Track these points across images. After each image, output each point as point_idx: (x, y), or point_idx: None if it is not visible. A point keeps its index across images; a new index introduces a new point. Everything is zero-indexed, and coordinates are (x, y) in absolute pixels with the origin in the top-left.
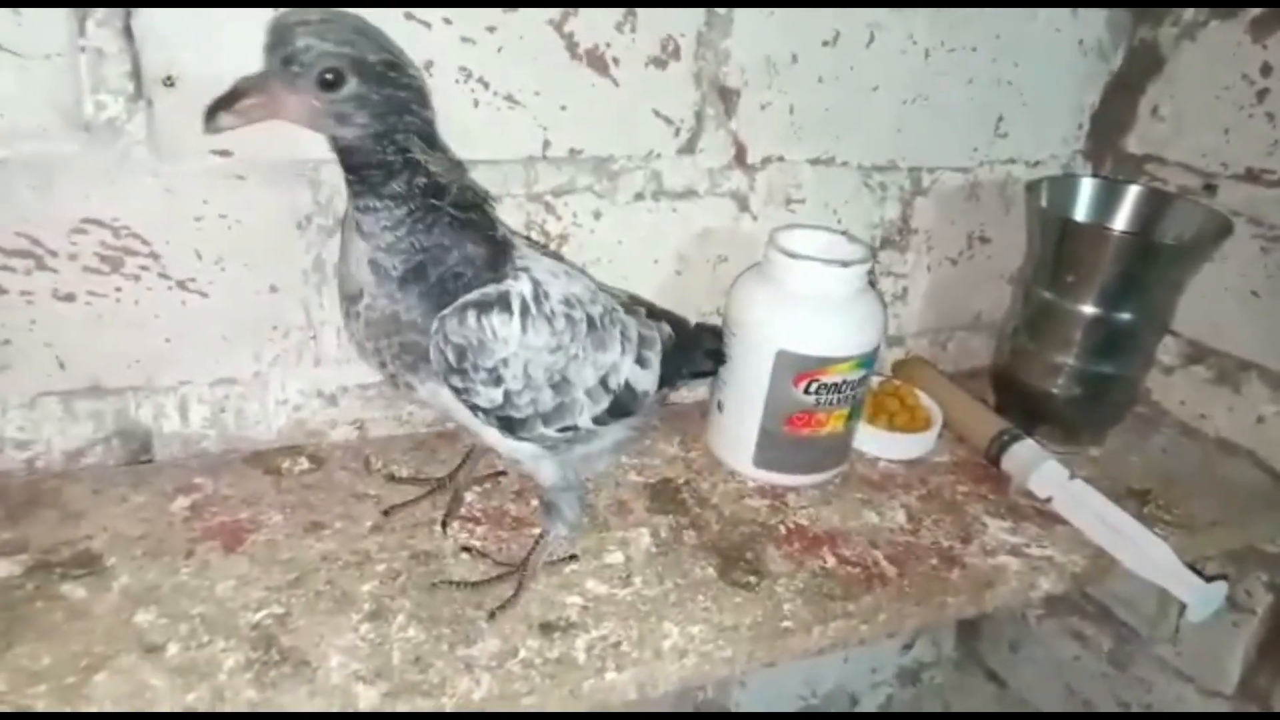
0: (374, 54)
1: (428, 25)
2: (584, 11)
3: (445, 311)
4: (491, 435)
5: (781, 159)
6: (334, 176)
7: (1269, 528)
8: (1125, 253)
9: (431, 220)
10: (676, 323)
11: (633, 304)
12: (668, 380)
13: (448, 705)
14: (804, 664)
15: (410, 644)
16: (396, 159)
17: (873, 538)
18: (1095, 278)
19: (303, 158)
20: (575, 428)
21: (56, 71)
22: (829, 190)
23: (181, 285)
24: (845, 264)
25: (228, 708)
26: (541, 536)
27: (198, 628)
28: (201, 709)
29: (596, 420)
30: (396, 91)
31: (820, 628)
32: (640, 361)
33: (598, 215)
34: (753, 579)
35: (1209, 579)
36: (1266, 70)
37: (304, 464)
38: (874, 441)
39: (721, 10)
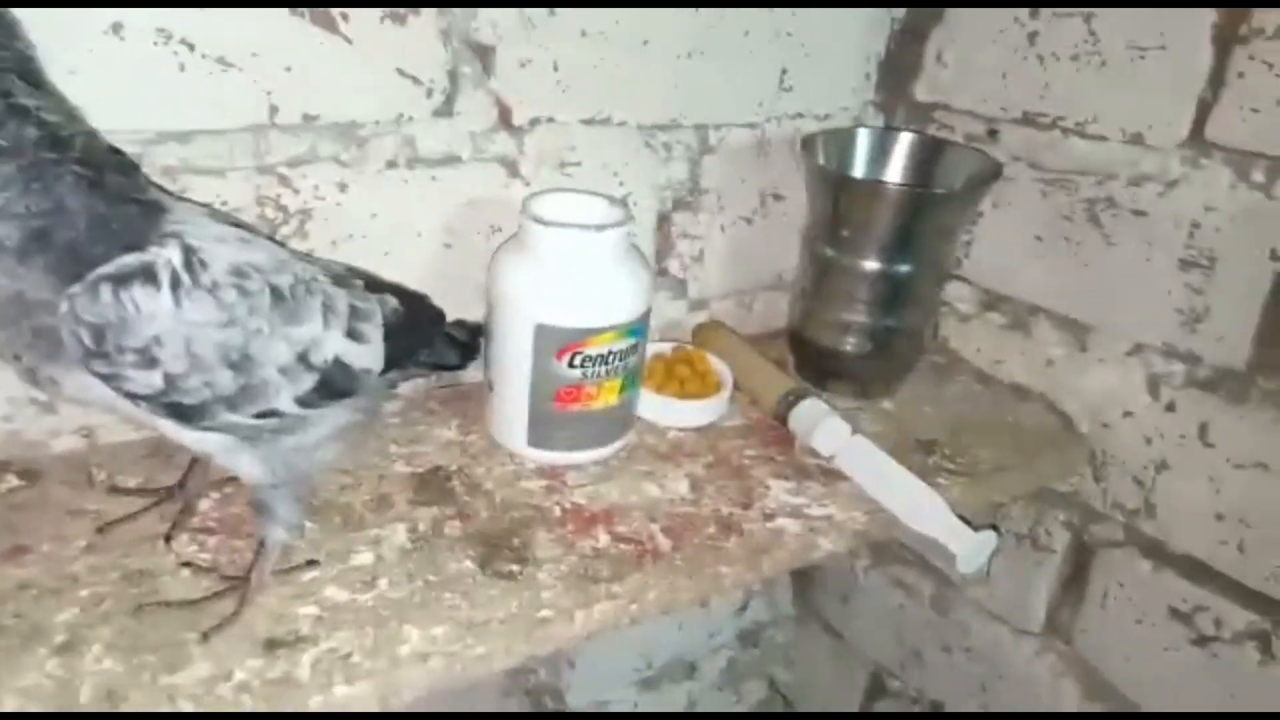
0: None
1: None
2: None
3: (73, 288)
4: (166, 427)
5: (551, 119)
6: None
7: (1057, 468)
8: (895, 205)
9: (51, 178)
10: (411, 297)
11: (350, 275)
12: (399, 358)
13: None
14: (635, 635)
15: (105, 676)
16: None
17: (651, 511)
18: (871, 232)
19: None
20: (276, 412)
21: None
22: (607, 151)
23: None
24: (600, 228)
25: None
26: (261, 544)
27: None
28: None
29: (303, 402)
30: None
31: (583, 613)
32: (353, 335)
33: (343, 187)
34: (515, 568)
35: (978, 529)
36: (1035, 13)
37: (13, 481)
38: (662, 410)
39: None
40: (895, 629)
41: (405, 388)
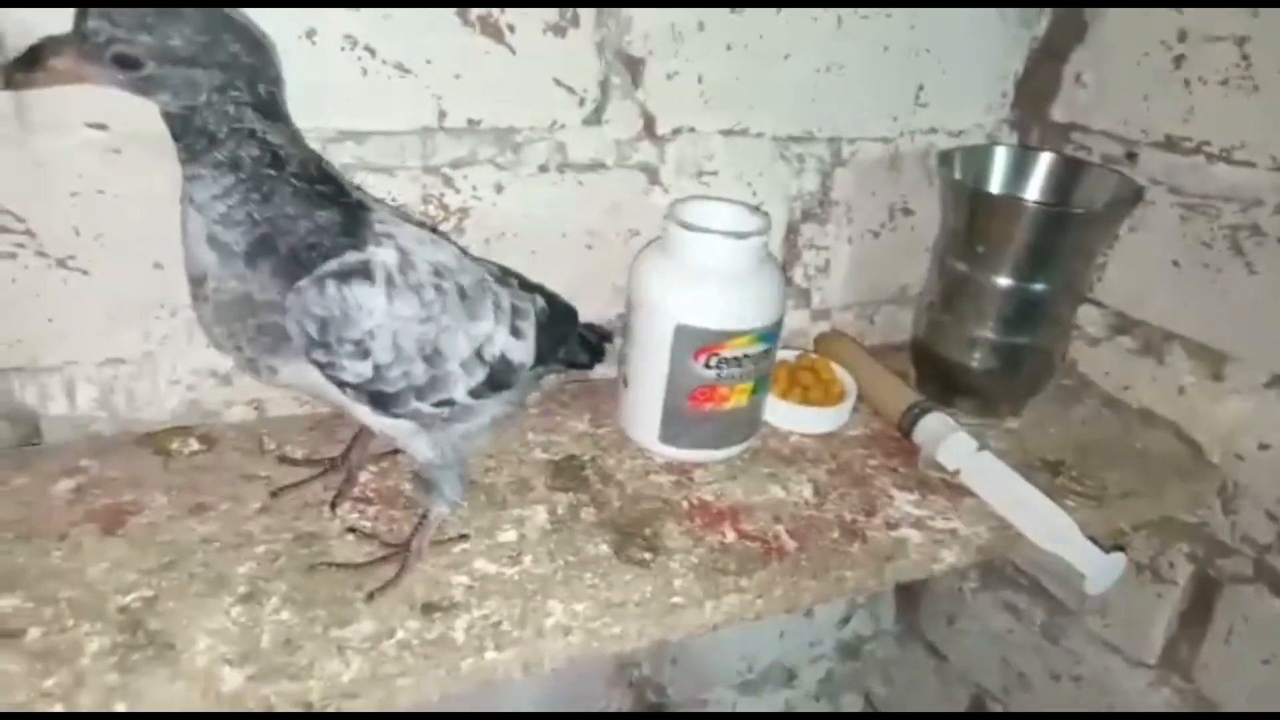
0: (177, 39)
1: None
2: None
3: (302, 283)
4: (363, 413)
5: (692, 130)
6: None
7: (1185, 499)
8: (1034, 223)
9: (269, 189)
10: (550, 298)
11: (506, 275)
12: (545, 354)
13: (315, 688)
14: (739, 639)
15: (282, 626)
16: (220, 129)
17: (776, 512)
18: (1007, 248)
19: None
20: (452, 402)
21: None
22: (743, 161)
23: (61, 263)
24: (741, 236)
25: (87, 692)
26: (424, 516)
27: (63, 612)
28: (59, 694)
29: (474, 393)
30: (212, 71)
31: (712, 603)
32: (514, 332)
33: (499, 188)
34: (648, 555)
35: (1109, 550)
36: (1183, 36)
37: (194, 445)
38: (786, 416)
39: None
40: (1001, 652)
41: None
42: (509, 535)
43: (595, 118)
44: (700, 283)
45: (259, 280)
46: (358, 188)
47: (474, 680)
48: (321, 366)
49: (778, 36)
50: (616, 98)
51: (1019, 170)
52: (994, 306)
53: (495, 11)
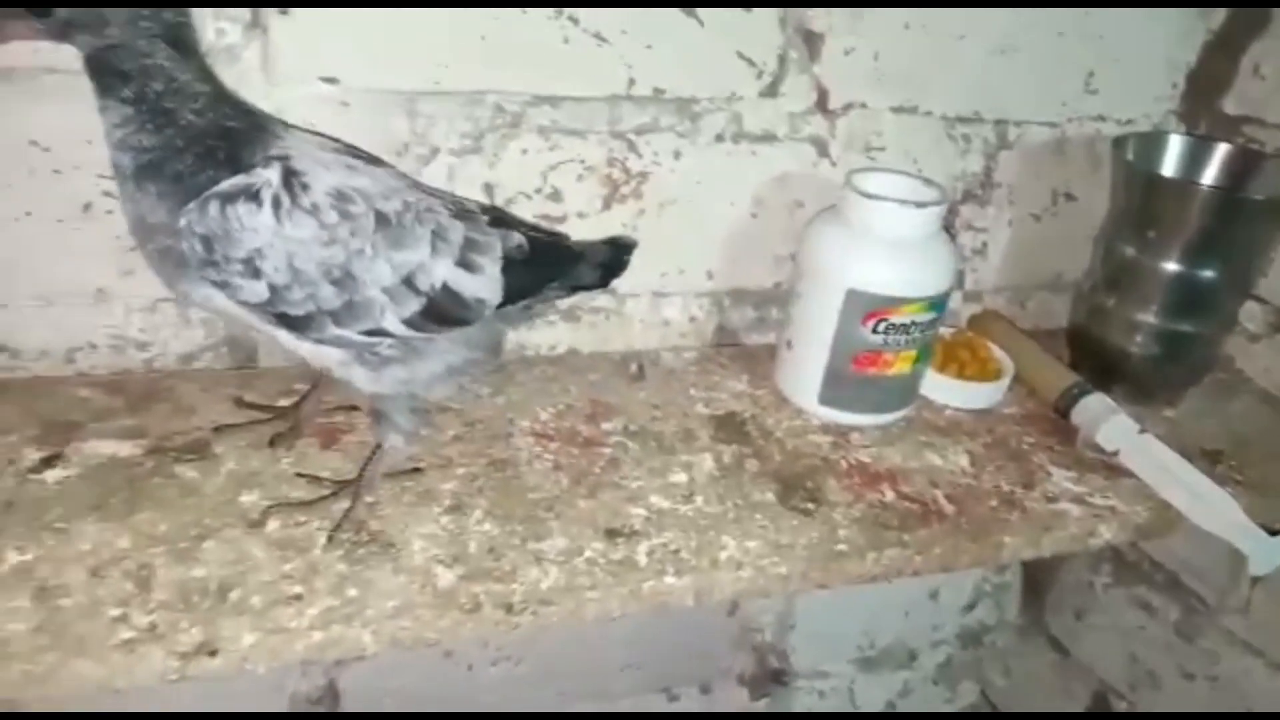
0: None
1: None
2: None
3: (189, 206)
4: (283, 338)
5: (864, 105)
6: (430, 108)
7: None
8: (1209, 208)
9: (164, 120)
10: (549, 236)
11: (478, 212)
12: (523, 293)
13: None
14: (863, 614)
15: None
16: (132, 66)
17: (933, 478)
18: (1178, 234)
19: (399, 89)
20: (383, 331)
21: None
22: (910, 139)
23: None
24: (919, 205)
25: (320, 578)
26: (377, 448)
27: (296, 510)
28: (298, 577)
29: (410, 324)
30: (118, 9)
31: (874, 554)
32: (465, 265)
33: (678, 155)
34: (811, 505)
35: (1273, 533)
36: None
37: None
38: (942, 389)
39: None
40: (1130, 650)
41: (690, 339)
42: (679, 477)
43: (771, 90)
44: (875, 249)
45: (148, 203)
46: (271, 116)
47: (653, 601)
48: (217, 285)
49: (955, 17)
50: (793, 72)
51: (1192, 158)
52: (1160, 292)
53: None
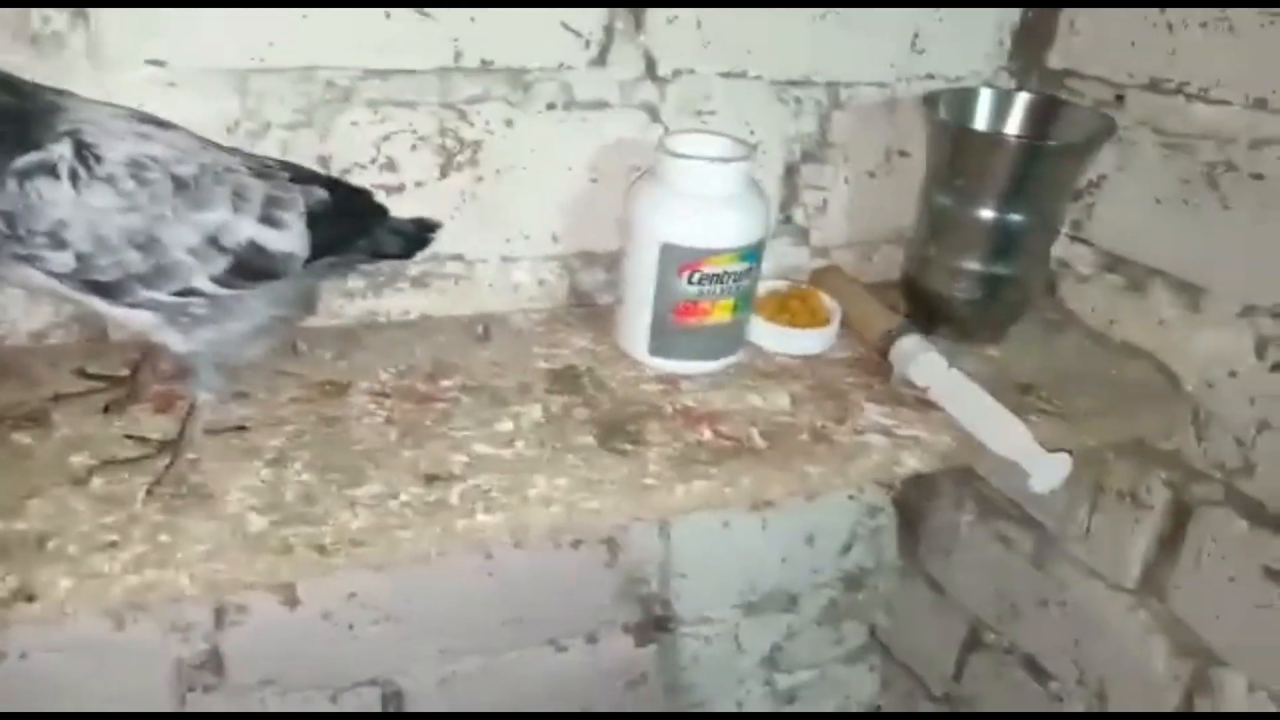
0: None
1: None
2: None
3: None
4: (98, 304)
5: (692, 71)
6: (260, 85)
7: (1158, 424)
8: (1011, 156)
9: None
10: (349, 192)
11: (278, 169)
12: (330, 246)
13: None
14: (744, 563)
15: None
16: None
17: (752, 417)
18: (986, 182)
19: (229, 67)
20: (195, 290)
21: None
22: (741, 102)
23: None
24: (724, 161)
25: (137, 528)
26: (191, 406)
27: (120, 468)
28: (116, 527)
29: (220, 282)
30: None
31: (683, 487)
32: (269, 221)
33: (510, 124)
34: (629, 447)
35: (1053, 451)
36: None
37: None
38: (771, 336)
39: None
40: (995, 583)
41: (541, 302)
42: (505, 426)
43: (600, 60)
44: (685, 205)
45: None
46: (61, 92)
47: (466, 539)
48: (26, 260)
49: None
50: (621, 41)
51: (1001, 110)
52: (975, 238)
53: None
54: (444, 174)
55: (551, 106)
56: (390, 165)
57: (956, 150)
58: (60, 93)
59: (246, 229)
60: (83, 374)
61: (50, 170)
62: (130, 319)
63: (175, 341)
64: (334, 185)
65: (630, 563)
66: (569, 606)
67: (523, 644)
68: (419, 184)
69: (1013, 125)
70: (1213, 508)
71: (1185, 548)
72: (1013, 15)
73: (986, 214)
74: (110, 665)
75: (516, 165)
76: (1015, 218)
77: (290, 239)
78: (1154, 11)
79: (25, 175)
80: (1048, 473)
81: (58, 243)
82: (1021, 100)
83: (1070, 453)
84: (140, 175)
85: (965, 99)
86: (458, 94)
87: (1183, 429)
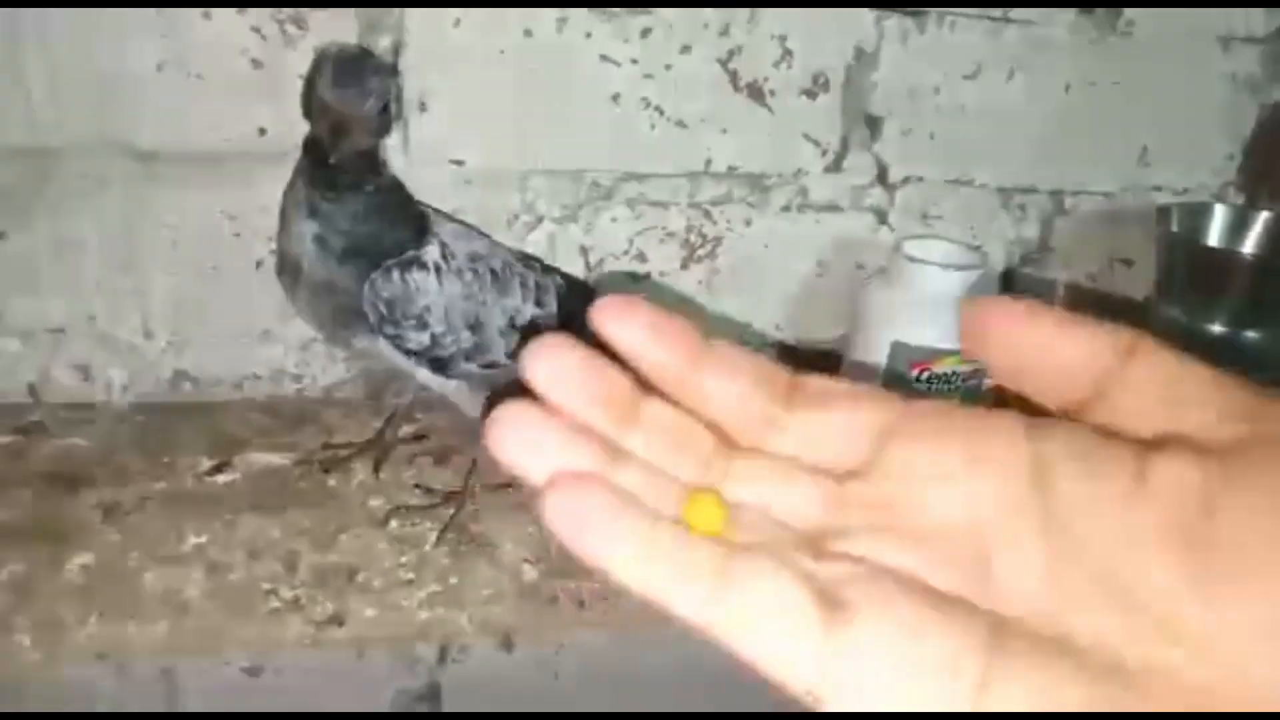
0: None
1: (618, 64)
2: (746, 49)
3: (374, 274)
4: (425, 376)
5: (921, 179)
6: (537, 184)
7: None
8: (1247, 273)
9: (367, 210)
10: (567, 278)
11: (531, 259)
12: (568, 323)
13: None
14: None
15: None
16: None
17: None
18: (1220, 297)
19: (512, 168)
20: (495, 363)
21: None
22: (966, 208)
23: None
24: (958, 268)
25: (430, 569)
26: (474, 463)
27: (412, 513)
28: (410, 567)
29: (511, 355)
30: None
31: None
32: (539, 304)
33: (748, 223)
34: None
35: None
36: None
37: None
38: None
39: (869, 48)
40: None
41: None
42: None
43: (835, 165)
44: (919, 307)
45: (344, 273)
46: (427, 206)
47: None
48: (390, 338)
49: (1009, 99)
50: (856, 149)
51: (1237, 227)
52: (1205, 354)
53: (761, 78)
54: (685, 265)
55: (786, 208)
56: (640, 256)
57: (1188, 264)
58: (428, 207)
59: (529, 310)
60: (326, 445)
61: (423, 265)
62: (445, 386)
63: (469, 405)
64: (564, 275)
65: None
66: None
67: None
68: (663, 274)
69: (1246, 242)
70: None
71: None
72: (1243, 129)
73: (1218, 329)
74: (341, 690)
75: (753, 258)
76: (1248, 335)
77: (551, 317)
78: None
79: (405, 268)
80: None
81: (421, 325)
82: (1257, 218)
83: None
84: (475, 268)
85: (1197, 213)
86: (704, 195)
87: None
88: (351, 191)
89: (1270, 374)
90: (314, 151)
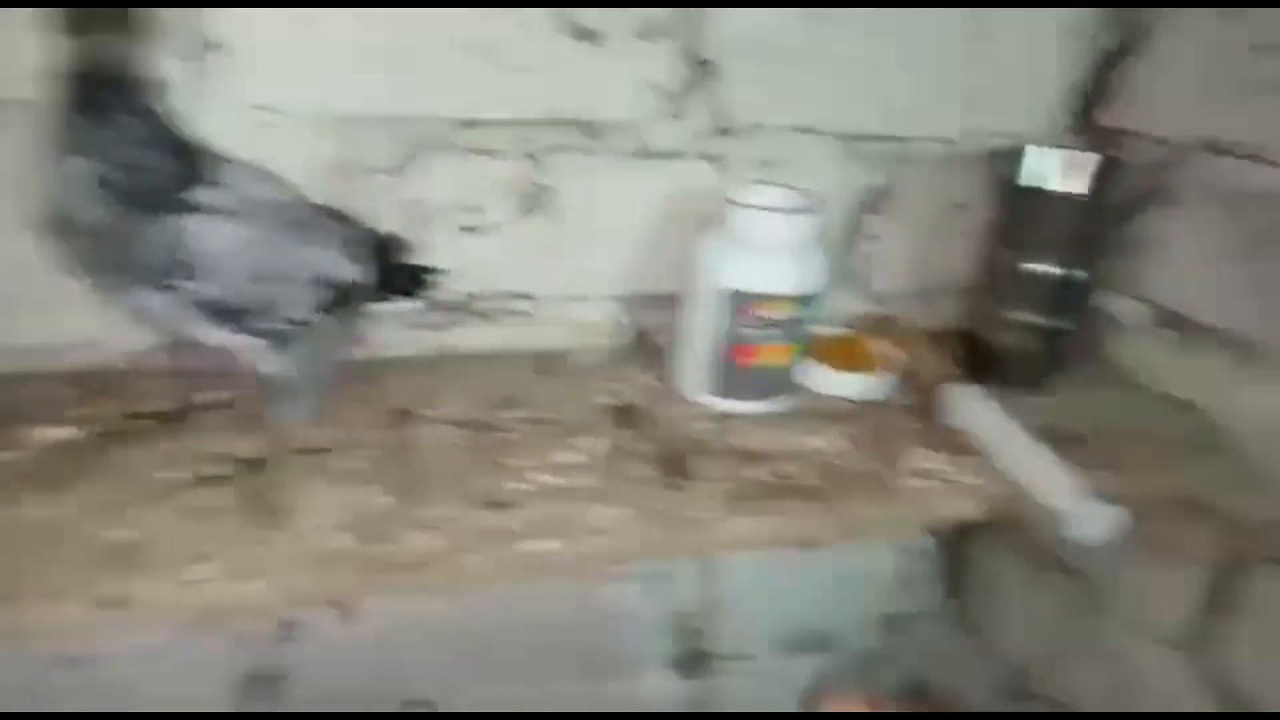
0: None
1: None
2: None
3: (146, 217)
4: (206, 331)
5: (761, 126)
6: (357, 132)
7: (1210, 480)
8: (1064, 214)
9: (143, 149)
10: (389, 235)
11: (342, 212)
12: (384, 280)
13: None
14: (784, 602)
15: None
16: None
17: (805, 458)
18: (1048, 238)
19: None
20: (297, 320)
21: None
22: (808, 156)
23: None
24: (788, 212)
25: (227, 541)
26: (277, 428)
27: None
28: (205, 539)
29: (312, 310)
30: None
31: (735, 521)
32: (352, 258)
33: (586, 172)
34: (682, 481)
35: (1097, 503)
36: (1228, 45)
37: None
38: (825, 380)
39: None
40: (1038, 632)
41: (607, 343)
42: (566, 457)
43: (675, 112)
44: (749, 252)
45: (118, 213)
46: (214, 152)
47: (526, 565)
48: (170, 290)
49: (846, 48)
50: (695, 96)
51: (1066, 169)
52: (1034, 292)
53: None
54: (521, 217)
55: (625, 156)
56: (476, 208)
57: (1019, 207)
58: (215, 152)
59: (345, 268)
60: (128, 417)
61: (199, 210)
62: (234, 344)
63: (274, 363)
64: (382, 233)
65: (674, 599)
66: (611, 638)
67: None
68: (497, 225)
69: (1074, 184)
70: (1264, 565)
71: (1235, 605)
72: (1075, 76)
73: (1047, 269)
74: (176, 674)
75: (590, 208)
76: (1076, 273)
77: (364, 271)
78: (1214, 74)
79: (180, 214)
80: (1096, 524)
81: (203, 276)
82: (1087, 160)
83: (1119, 505)
84: (266, 217)
85: (1030, 157)
86: (539, 143)
87: (1235, 485)
88: (117, 125)
89: (1090, 311)
90: (76, 80)
